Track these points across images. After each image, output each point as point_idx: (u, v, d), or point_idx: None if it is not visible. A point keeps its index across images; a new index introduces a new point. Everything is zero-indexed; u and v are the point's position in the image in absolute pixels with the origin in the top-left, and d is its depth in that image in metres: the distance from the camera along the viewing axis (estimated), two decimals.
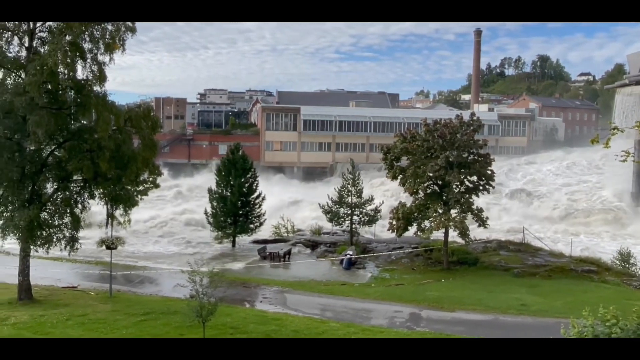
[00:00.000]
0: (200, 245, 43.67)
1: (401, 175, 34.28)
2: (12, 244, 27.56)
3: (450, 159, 32.39)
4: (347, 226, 40.40)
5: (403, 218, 33.45)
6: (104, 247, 27.32)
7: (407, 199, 36.56)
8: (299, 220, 51.26)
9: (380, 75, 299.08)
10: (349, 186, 39.40)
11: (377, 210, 39.61)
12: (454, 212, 33.01)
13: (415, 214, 33.69)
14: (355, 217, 39.51)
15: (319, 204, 40.92)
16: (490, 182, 33.73)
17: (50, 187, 24.59)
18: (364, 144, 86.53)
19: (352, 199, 39.25)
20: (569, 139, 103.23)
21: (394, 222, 33.92)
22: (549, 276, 31.81)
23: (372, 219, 39.70)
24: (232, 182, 41.92)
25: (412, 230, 34.31)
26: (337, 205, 39.65)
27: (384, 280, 32.06)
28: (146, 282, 31.18)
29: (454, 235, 34.45)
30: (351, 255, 35.73)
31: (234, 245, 42.56)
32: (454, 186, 32.95)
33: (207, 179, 60.96)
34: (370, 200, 39.85)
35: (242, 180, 42.11)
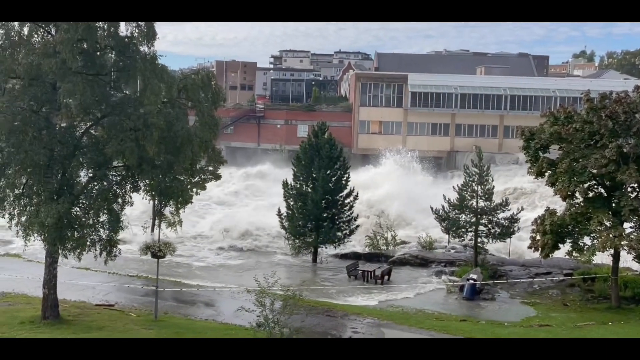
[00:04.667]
0: (272, 257, 44.61)
1: (550, 171, 33.44)
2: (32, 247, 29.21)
3: (625, 150, 31.15)
4: (471, 240, 39.89)
5: (551, 232, 32.63)
6: (148, 255, 28.27)
7: (558, 205, 35.20)
8: (402, 229, 51.14)
9: (521, 30, 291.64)
10: (473, 185, 38.92)
11: (513, 220, 38.70)
12: (628, 227, 31.89)
13: (570, 227, 32.91)
14: (481, 228, 38.96)
15: (431, 208, 40.53)
16: None
17: (84, 176, 25.87)
18: (497, 127, 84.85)
19: (477, 202, 38.61)
20: None
21: (538, 238, 33.22)
22: None
23: (506, 232, 38.96)
24: (314, 175, 42.47)
25: (565, 249, 33.50)
26: (457, 211, 39.29)
27: (524, 319, 31.59)
28: (201, 302, 32.25)
29: (627, 260, 33.47)
30: (475, 280, 35.39)
31: (314, 260, 42.94)
32: (630, 189, 31.81)
33: (280, 170, 62.16)
34: (504, 205, 39.01)
35: (328, 172, 42.53)
